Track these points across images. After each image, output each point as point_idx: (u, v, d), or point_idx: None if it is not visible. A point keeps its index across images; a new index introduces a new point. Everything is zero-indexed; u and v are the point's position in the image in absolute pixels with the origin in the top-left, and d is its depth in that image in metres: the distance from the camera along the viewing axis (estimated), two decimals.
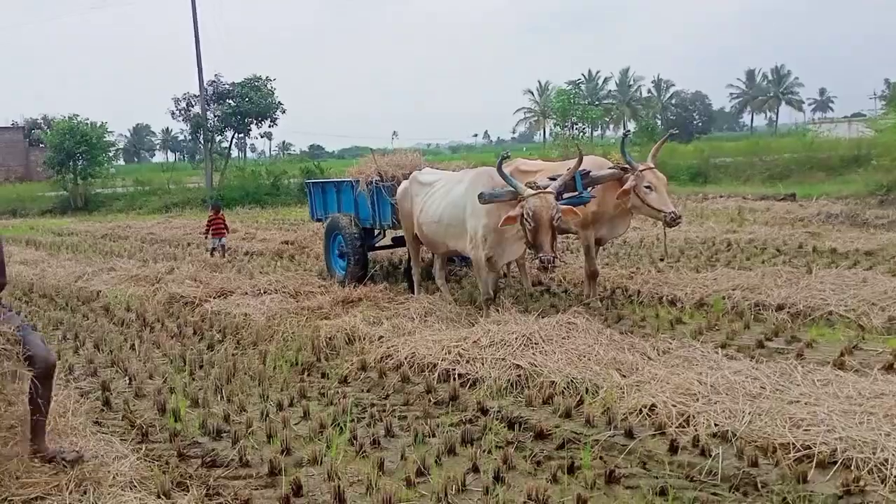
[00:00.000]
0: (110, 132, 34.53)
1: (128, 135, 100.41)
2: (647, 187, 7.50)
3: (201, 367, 6.52)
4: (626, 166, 7.77)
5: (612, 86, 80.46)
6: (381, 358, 6.24)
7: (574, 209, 6.95)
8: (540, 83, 78.41)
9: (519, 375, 5.57)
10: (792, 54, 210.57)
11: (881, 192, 17.93)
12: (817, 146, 27.78)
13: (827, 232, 12.69)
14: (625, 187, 7.58)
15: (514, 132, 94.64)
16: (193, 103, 33.68)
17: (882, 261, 9.81)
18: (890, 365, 5.52)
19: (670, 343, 6.19)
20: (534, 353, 5.87)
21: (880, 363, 5.57)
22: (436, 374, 5.79)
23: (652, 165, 7.62)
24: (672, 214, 7.40)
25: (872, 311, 7.01)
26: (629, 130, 7.90)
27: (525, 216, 6.51)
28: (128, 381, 6.18)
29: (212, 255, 13.34)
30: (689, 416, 4.62)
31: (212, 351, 7.03)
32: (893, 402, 4.47)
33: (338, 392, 5.68)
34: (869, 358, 5.81)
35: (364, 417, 5.11)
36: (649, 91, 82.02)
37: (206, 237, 14.08)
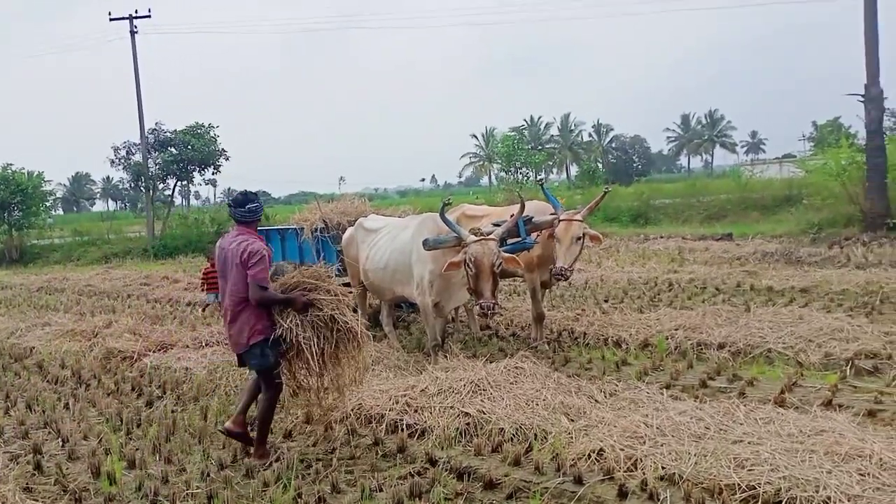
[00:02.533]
0: (47, 181, 33.59)
1: (67, 184, 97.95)
2: (555, 238, 7.62)
3: (139, 425, 6.27)
4: (571, 210, 7.90)
5: (554, 130, 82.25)
6: (327, 410, 6.11)
7: (516, 258, 7.01)
8: (486, 129, 79.67)
9: (468, 424, 5.53)
10: (724, 99, 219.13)
11: (813, 231, 18.62)
12: (751, 187, 28.76)
13: (763, 270, 13.08)
14: (550, 232, 7.71)
15: (460, 176, 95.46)
16: (134, 151, 33.11)
17: (816, 297, 10.13)
18: (828, 401, 5.65)
19: (616, 385, 6.25)
20: (482, 400, 5.85)
21: (819, 399, 5.70)
22: (384, 426, 5.70)
23: (576, 218, 7.64)
24: (557, 270, 7.49)
25: (809, 347, 7.21)
26: (542, 179, 7.99)
27: (467, 262, 6.53)
28: (61, 443, 5.90)
29: (203, 311, 12.04)
30: (636, 460, 4.64)
31: (150, 408, 6.79)
32: (833, 439, 4.57)
33: (282, 447, 5.52)
34: (808, 394, 5.94)
35: (309, 474, 4.97)
36: (590, 135, 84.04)
37: (202, 291, 12.60)
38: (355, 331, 5.25)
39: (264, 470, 5.01)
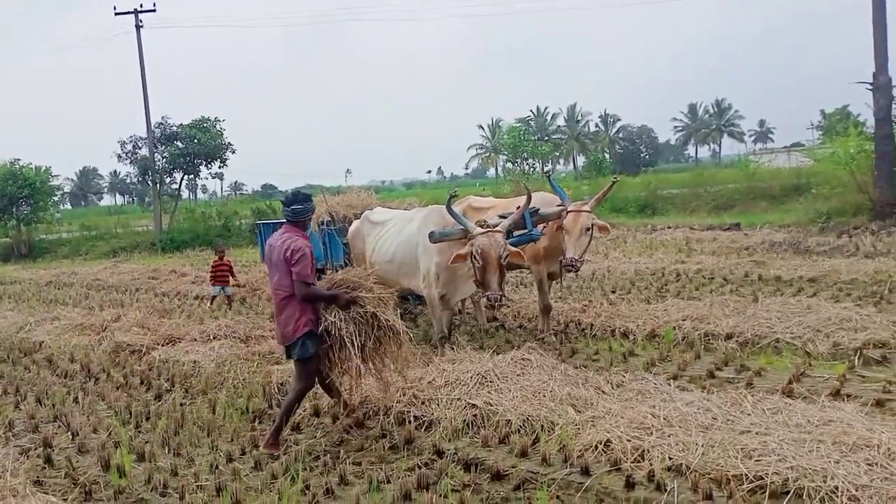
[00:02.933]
0: (55, 176, 33.70)
1: (74, 178, 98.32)
2: (564, 230, 7.59)
3: (148, 418, 6.31)
4: (579, 201, 7.89)
5: (560, 121, 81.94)
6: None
7: (520, 252, 7.00)
8: (492, 120, 79.45)
9: (475, 415, 5.53)
10: (731, 88, 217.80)
11: (821, 220, 18.52)
12: (759, 176, 28.63)
13: (771, 260, 13.02)
14: (559, 224, 7.68)
15: (467, 168, 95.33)
16: (140, 145, 33.20)
17: (825, 287, 10.08)
18: (836, 391, 5.64)
19: (623, 376, 6.24)
20: (489, 392, 5.85)
21: (827, 389, 5.68)
22: (391, 417, 5.71)
23: (585, 209, 7.60)
24: (566, 261, 7.43)
25: (817, 337, 7.18)
26: (550, 171, 7.91)
27: (473, 255, 6.53)
28: (71, 437, 5.94)
29: (210, 303, 12.20)
30: (643, 451, 4.63)
31: (159, 401, 6.83)
32: (841, 429, 4.56)
33: (290, 440, 5.55)
34: (816, 384, 5.93)
35: (317, 466, 4.99)
36: (597, 126, 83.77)
37: (211, 284, 12.51)
38: (397, 329, 5.49)
39: (273, 462, 5.03)
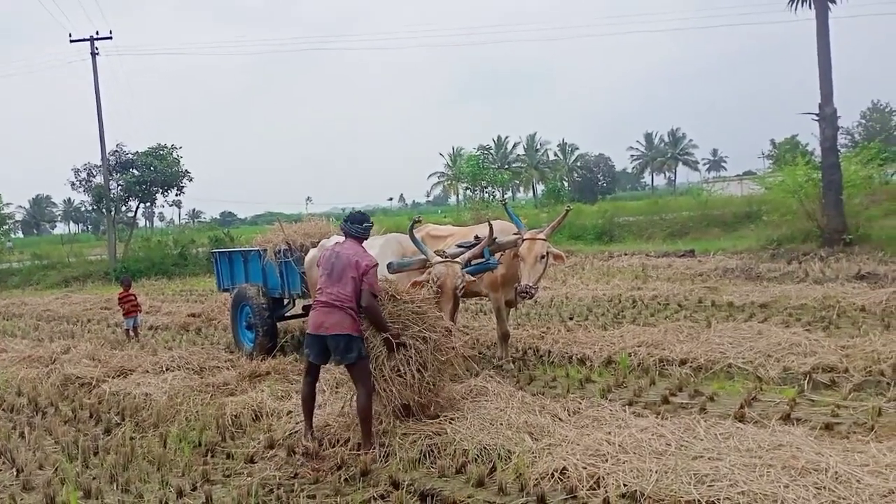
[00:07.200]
0: (6, 204, 32.94)
1: (27, 206, 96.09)
2: (519, 257, 7.67)
3: (96, 453, 6.13)
4: (535, 229, 7.96)
5: (520, 150, 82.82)
6: (290, 434, 6.05)
7: (474, 279, 7.06)
8: (453, 148, 79.83)
9: (431, 445, 5.49)
10: (686, 118, 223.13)
11: (772, 246, 18.93)
12: (712, 204, 29.24)
13: (724, 286, 13.27)
14: (516, 251, 7.75)
15: (428, 195, 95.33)
16: (95, 173, 32.59)
17: (776, 312, 10.30)
18: (787, 415, 5.74)
19: (580, 403, 6.28)
20: (447, 421, 5.82)
21: (778, 414, 5.79)
22: (347, 448, 5.64)
23: (540, 237, 7.67)
24: (521, 288, 7.49)
25: (768, 362, 7.32)
26: (505, 200, 8.09)
27: (430, 282, 6.55)
28: (15, 473, 5.75)
29: (128, 336, 12.03)
30: (599, 478, 4.65)
31: (108, 435, 6.64)
32: (791, 454, 4.64)
33: (243, 473, 5.44)
34: (767, 409, 6.03)
35: (271, 499, 4.90)
36: (555, 154, 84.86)
37: (123, 316, 12.49)
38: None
39: (226, 497, 4.91)
